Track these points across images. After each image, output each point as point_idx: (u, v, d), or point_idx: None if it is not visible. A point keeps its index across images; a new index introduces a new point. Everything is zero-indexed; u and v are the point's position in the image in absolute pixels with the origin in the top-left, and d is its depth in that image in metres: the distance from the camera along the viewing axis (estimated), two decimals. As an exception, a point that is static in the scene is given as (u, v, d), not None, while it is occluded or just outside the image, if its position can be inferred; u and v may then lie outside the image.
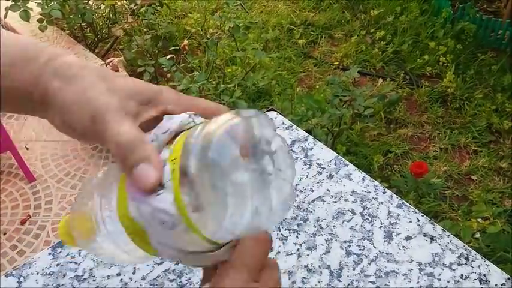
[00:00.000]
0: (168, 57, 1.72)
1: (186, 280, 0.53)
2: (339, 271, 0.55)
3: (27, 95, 0.33)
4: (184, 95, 0.36)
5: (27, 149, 1.98)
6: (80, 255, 0.56)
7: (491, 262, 0.58)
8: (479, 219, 1.42)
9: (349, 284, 0.54)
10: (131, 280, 0.53)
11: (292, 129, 0.74)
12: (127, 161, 0.28)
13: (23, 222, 1.64)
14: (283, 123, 0.75)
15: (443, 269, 0.56)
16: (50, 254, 0.56)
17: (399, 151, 1.91)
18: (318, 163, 0.69)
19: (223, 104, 1.65)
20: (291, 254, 0.57)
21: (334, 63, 2.41)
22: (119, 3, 2.14)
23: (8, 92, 0.33)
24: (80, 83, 0.32)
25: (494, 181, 1.79)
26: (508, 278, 0.56)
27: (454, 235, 0.61)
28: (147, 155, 0.28)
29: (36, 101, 0.33)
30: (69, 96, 0.31)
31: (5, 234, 1.61)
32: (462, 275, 0.56)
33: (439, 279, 0.55)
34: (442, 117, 2.10)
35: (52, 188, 1.79)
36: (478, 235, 1.41)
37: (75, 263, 0.55)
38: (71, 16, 2.04)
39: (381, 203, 0.64)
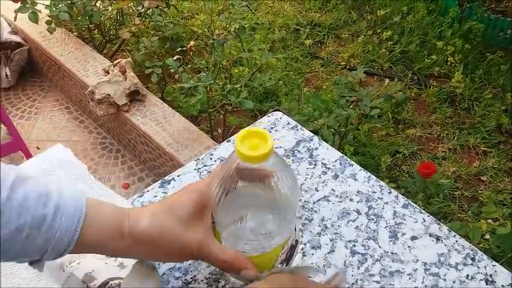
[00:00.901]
0: (174, 58, 1.72)
1: (191, 278, 0.54)
2: (344, 270, 0.55)
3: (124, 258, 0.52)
4: None
5: (38, 148, 2.01)
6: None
7: (501, 263, 0.57)
8: (489, 220, 1.41)
9: (353, 283, 0.54)
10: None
11: (298, 130, 0.74)
12: (234, 268, 0.46)
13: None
14: (288, 123, 0.76)
15: (448, 269, 0.56)
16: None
17: (407, 151, 1.90)
18: (323, 163, 0.69)
19: (230, 104, 1.65)
20: (296, 253, 0.57)
21: (341, 64, 2.40)
22: (126, 5, 2.15)
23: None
24: (164, 243, 0.44)
25: (504, 182, 1.77)
26: (515, 279, 0.55)
27: (463, 236, 0.61)
28: (244, 265, 0.46)
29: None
30: (158, 253, 0.46)
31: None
32: (468, 275, 0.55)
33: (445, 280, 0.55)
34: (451, 117, 2.09)
35: (61, 188, 1.81)
36: (487, 236, 1.40)
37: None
38: (79, 18, 2.06)
39: (387, 203, 0.63)
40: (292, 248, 0.50)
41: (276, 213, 0.45)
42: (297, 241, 0.51)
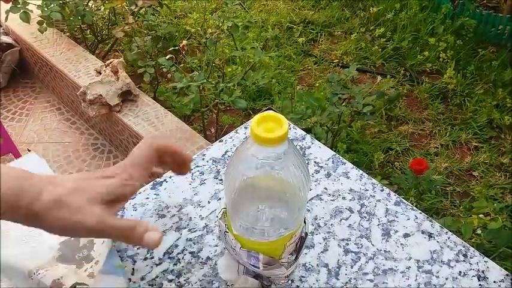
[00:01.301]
0: (167, 57, 1.72)
1: (185, 280, 0.53)
2: (337, 269, 0.55)
3: (22, 217, 0.42)
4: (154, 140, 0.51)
5: (29, 150, 1.99)
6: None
7: (492, 258, 0.58)
8: (480, 215, 1.42)
9: (347, 282, 0.54)
10: (130, 281, 0.54)
11: (290, 128, 0.74)
12: (133, 238, 0.43)
13: (25, 224, 1.65)
14: (280, 122, 0.76)
15: (441, 266, 0.56)
16: (49, 255, 0.57)
17: (400, 148, 1.91)
18: (315, 161, 0.69)
19: (223, 103, 1.65)
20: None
21: (334, 61, 2.41)
22: (118, 5, 2.14)
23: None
24: (65, 212, 0.42)
25: (495, 177, 1.79)
26: (507, 275, 0.56)
27: (455, 232, 0.61)
28: (144, 228, 0.44)
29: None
30: (61, 223, 0.42)
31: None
32: (460, 271, 0.56)
33: (437, 277, 0.55)
34: (443, 113, 2.10)
35: (54, 189, 1.80)
36: (479, 231, 1.41)
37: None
38: (71, 18, 2.04)
39: (379, 200, 0.64)
40: (302, 240, 0.50)
41: (287, 203, 0.46)
42: (306, 233, 0.51)
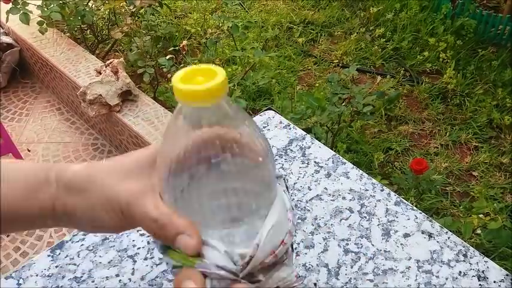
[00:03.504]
0: (167, 57, 1.72)
1: (185, 280, 0.53)
2: (337, 269, 0.55)
3: (43, 218, 0.35)
4: None
5: (29, 151, 1.99)
6: (78, 256, 0.57)
7: (492, 258, 0.58)
8: (480, 215, 1.42)
9: (347, 282, 0.54)
10: (130, 281, 0.54)
11: (290, 129, 0.74)
12: (166, 233, 0.32)
13: (25, 224, 1.65)
14: (280, 122, 0.76)
15: (441, 266, 0.56)
16: (49, 255, 0.57)
17: (400, 148, 1.91)
18: (315, 161, 0.69)
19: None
20: (292, 252, 0.57)
21: (334, 61, 2.41)
22: (118, 5, 2.14)
23: (22, 220, 0.35)
24: (93, 191, 0.34)
25: (495, 177, 1.79)
26: (507, 275, 0.56)
27: (455, 231, 0.61)
28: (182, 228, 0.31)
29: (53, 219, 0.35)
30: (87, 206, 0.34)
31: (8, 236, 1.62)
32: (460, 271, 0.56)
33: (437, 277, 0.55)
34: (443, 113, 2.10)
35: (54, 189, 1.80)
36: (479, 231, 1.41)
37: (74, 264, 0.56)
38: (71, 18, 2.04)
39: (379, 200, 0.64)
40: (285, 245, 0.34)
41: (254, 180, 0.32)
42: (292, 207, 0.36)
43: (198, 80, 0.29)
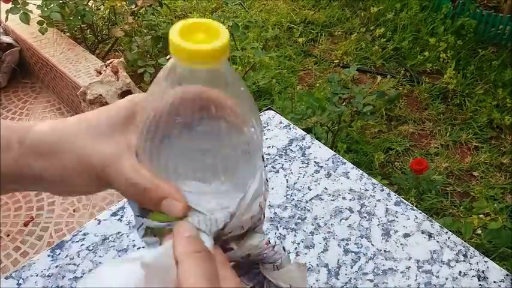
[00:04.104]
0: (167, 57, 1.72)
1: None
2: (337, 269, 0.55)
3: (7, 183, 0.32)
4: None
5: (29, 151, 1.99)
6: (78, 256, 0.57)
7: (492, 258, 0.58)
8: (480, 216, 1.42)
9: (347, 282, 0.54)
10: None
11: (290, 129, 0.74)
12: (152, 200, 0.30)
13: (26, 224, 1.65)
14: (280, 122, 0.76)
15: (441, 266, 0.56)
16: (49, 255, 0.57)
17: (400, 148, 1.90)
18: (315, 161, 0.69)
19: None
20: (289, 252, 0.57)
21: (335, 61, 2.41)
22: (118, 4, 2.14)
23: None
24: (63, 154, 0.31)
25: (495, 177, 1.79)
26: (507, 275, 0.56)
27: (455, 232, 0.61)
28: (168, 193, 0.30)
29: (20, 183, 0.33)
30: (56, 169, 0.31)
31: (8, 236, 1.62)
32: (460, 271, 0.56)
33: (437, 277, 0.55)
34: (443, 113, 2.10)
35: (54, 189, 1.80)
36: (479, 231, 1.41)
37: (74, 264, 0.56)
38: (71, 18, 2.04)
39: (379, 200, 0.64)
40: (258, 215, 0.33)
41: (225, 143, 0.30)
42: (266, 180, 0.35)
43: (198, 37, 0.26)
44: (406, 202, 0.64)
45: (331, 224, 0.60)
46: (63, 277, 0.54)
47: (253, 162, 0.32)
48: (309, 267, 0.56)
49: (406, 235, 0.60)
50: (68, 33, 2.35)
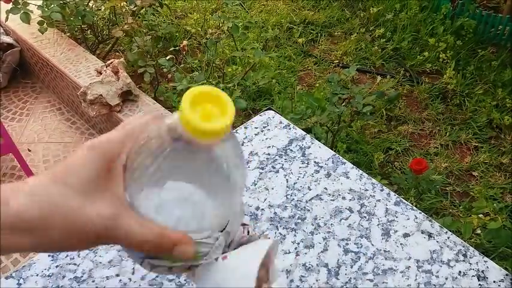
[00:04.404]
0: (167, 57, 1.72)
1: (185, 280, 0.54)
2: (337, 269, 0.56)
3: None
4: None
5: (29, 150, 1.99)
6: (79, 256, 0.57)
7: (492, 258, 0.58)
8: (480, 215, 1.42)
9: (347, 282, 0.54)
10: (130, 281, 0.54)
11: (290, 129, 0.75)
12: (164, 250, 0.32)
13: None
14: (280, 122, 0.76)
15: (441, 266, 0.56)
16: (49, 255, 0.57)
17: (400, 148, 1.91)
18: (315, 161, 0.69)
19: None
20: (289, 252, 0.57)
21: (334, 61, 2.41)
22: (119, 5, 2.14)
23: None
24: (50, 228, 0.30)
25: (495, 177, 1.79)
26: (507, 274, 0.56)
27: (455, 231, 0.61)
28: (178, 240, 0.32)
29: (15, 251, 0.31)
30: (42, 241, 0.30)
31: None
32: (460, 271, 0.56)
33: (437, 276, 0.55)
34: (443, 113, 2.10)
35: (54, 189, 1.80)
36: (479, 231, 1.41)
37: (75, 264, 0.56)
38: (71, 18, 2.04)
39: (379, 200, 0.64)
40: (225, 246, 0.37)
41: (214, 191, 0.32)
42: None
43: (207, 108, 0.29)
44: (406, 202, 0.64)
45: (331, 224, 0.61)
46: (63, 277, 0.54)
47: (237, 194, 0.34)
48: (309, 267, 0.56)
49: (405, 235, 0.60)
50: (68, 34, 2.35)
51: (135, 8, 2.09)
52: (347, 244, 0.58)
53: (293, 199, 0.63)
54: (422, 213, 0.63)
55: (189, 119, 0.27)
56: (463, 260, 0.57)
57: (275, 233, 0.59)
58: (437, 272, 0.56)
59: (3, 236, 0.29)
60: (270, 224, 0.60)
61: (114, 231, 0.30)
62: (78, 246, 0.32)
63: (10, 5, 1.96)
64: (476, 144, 1.95)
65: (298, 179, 0.66)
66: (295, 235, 0.59)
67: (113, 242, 0.32)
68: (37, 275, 0.55)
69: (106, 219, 0.30)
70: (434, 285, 0.54)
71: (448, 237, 0.60)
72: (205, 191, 0.32)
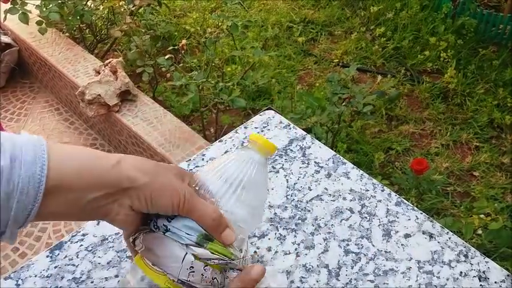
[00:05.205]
0: (166, 57, 1.71)
1: (184, 281, 0.53)
2: (338, 270, 0.55)
3: (106, 196, 0.39)
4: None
5: (28, 151, 1.99)
6: (77, 257, 0.56)
7: (493, 259, 0.57)
8: (481, 216, 1.42)
9: (347, 283, 0.54)
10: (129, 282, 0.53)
11: (290, 129, 0.74)
12: (219, 228, 0.41)
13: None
14: (280, 122, 0.75)
15: (442, 267, 0.56)
16: (48, 256, 0.56)
17: (400, 148, 1.90)
18: (315, 162, 0.68)
19: (223, 103, 1.64)
20: (289, 253, 0.57)
21: (334, 61, 2.40)
22: (117, 4, 2.13)
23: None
24: (161, 176, 0.40)
25: (496, 177, 1.78)
26: (508, 275, 0.55)
27: (456, 232, 0.61)
28: (228, 224, 0.42)
29: (113, 194, 0.39)
30: (156, 186, 0.39)
31: (7, 236, 1.62)
32: (461, 272, 0.55)
33: (438, 277, 0.55)
34: (444, 113, 2.09)
35: (53, 189, 1.79)
36: (480, 231, 1.41)
37: (73, 265, 0.55)
38: (70, 18, 2.03)
39: (380, 201, 0.63)
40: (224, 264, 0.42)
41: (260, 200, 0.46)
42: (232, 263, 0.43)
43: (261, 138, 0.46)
44: (407, 202, 0.63)
45: (332, 225, 0.60)
46: (62, 278, 0.54)
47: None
48: (309, 268, 0.55)
49: (406, 235, 0.59)
50: (66, 33, 2.34)
51: (134, 7, 2.08)
52: (348, 245, 0.58)
53: (293, 199, 0.63)
54: (423, 213, 0.62)
55: (259, 137, 0.45)
56: (464, 261, 0.56)
57: (275, 233, 0.59)
58: (439, 272, 0.55)
59: (127, 170, 0.39)
60: (270, 225, 0.60)
61: (194, 200, 0.40)
62: (167, 204, 0.40)
63: (8, 5, 1.96)
64: (477, 144, 1.94)
65: (298, 179, 0.66)
66: (295, 236, 0.59)
67: (187, 211, 0.40)
68: (35, 276, 0.54)
69: (190, 190, 0.41)
70: (435, 286, 0.54)
71: (449, 238, 0.59)
72: (253, 195, 0.44)
